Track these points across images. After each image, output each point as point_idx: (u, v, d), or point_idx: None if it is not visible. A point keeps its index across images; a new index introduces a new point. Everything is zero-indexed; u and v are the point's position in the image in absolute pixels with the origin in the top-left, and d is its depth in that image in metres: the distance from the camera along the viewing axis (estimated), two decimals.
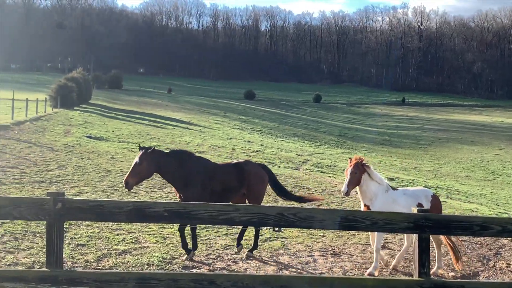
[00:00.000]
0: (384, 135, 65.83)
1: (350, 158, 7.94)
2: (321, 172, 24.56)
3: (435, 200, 8.16)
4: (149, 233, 9.01)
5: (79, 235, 8.30)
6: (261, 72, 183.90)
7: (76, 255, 7.35)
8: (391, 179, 23.84)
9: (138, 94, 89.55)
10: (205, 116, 62.79)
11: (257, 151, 30.65)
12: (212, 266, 7.47)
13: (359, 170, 7.73)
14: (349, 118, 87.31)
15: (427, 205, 7.82)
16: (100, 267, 6.92)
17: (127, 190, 7.83)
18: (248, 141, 38.11)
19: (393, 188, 8.20)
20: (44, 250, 7.37)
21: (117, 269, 6.92)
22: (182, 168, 7.87)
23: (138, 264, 7.21)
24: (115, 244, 8.07)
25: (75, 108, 46.93)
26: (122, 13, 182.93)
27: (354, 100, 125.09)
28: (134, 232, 8.79)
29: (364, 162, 7.86)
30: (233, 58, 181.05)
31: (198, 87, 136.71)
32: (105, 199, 3.95)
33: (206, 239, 8.87)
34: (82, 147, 20.55)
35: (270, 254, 8.38)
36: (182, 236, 7.75)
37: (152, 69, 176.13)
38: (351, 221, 3.84)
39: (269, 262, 7.89)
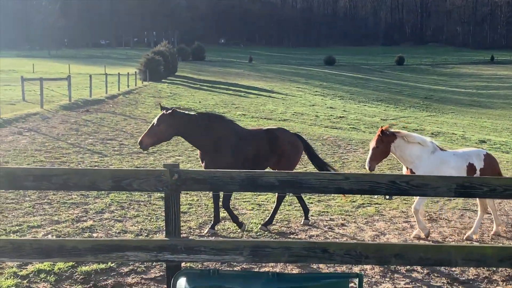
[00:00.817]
0: (473, 95, 62.51)
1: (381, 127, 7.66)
2: None
3: (489, 159, 7.71)
4: (244, 200, 9.23)
5: (180, 203, 8.62)
6: (340, 36, 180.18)
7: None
8: (483, 141, 22.75)
9: (221, 65, 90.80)
10: (287, 83, 62.65)
11: (340, 117, 30.23)
12: (308, 233, 7.52)
13: (383, 142, 7.41)
14: (435, 80, 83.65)
15: (479, 165, 7.52)
16: (202, 234, 7.17)
17: (141, 149, 7.44)
18: (331, 107, 37.65)
19: (441, 149, 7.78)
20: (149, 218, 7.77)
21: (219, 236, 7.15)
22: (210, 132, 7.30)
23: (238, 231, 7.40)
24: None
25: (163, 80, 48.43)
26: None
27: (439, 61, 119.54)
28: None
29: (389, 130, 7.51)
30: (311, 24, 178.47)
31: (278, 55, 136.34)
32: (218, 170, 4.06)
33: (299, 206, 8.93)
34: None
35: (365, 220, 8.31)
36: (229, 211, 7.47)
37: (232, 39, 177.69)
38: (467, 188, 3.68)
39: (364, 229, 7.82)
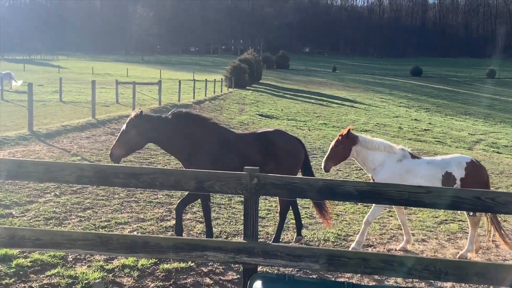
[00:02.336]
0: None
1: None
2: (497, 152, 22.66)
3: (473, 167, 6.87)
4: None
5: (259, 208, 8.76)
6: (428, 47, 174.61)
7: None
8: None
9: (304, 73, 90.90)
10: (370, 94, 61.59)
11: (425, 129, 29.28)
12: (387, 246, 7.37)
13: (343, 144, 6.95)
14: None
15: (459, 174, 6.76)
16: (280, 240, 7.24)
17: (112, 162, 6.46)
18: (415, 119, 36.54)
19: (416, 157, 7.16)
20: (229, 221, 7.96)
21: (295, 243, 7.19)
22: (185, 136, 6.37)
23: (315, 239, 7.40)
24: (292, 218, 8.37)
25: (247, 87, 49.29)
26: None
27: None
28: (308, 208, 9.03)
29: (350, 132, 6.99)
30: (399, 34, 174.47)
31: (362, 64, 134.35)
32: (296, 176, 4.12)
33: (379, 218, 8.77)
34: (255, 125, 21.57)
35: (448, 237, 8.02)
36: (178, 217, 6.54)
37: (317, 48, 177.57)
38: None
39: (446, 245, 7.55)
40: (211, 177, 3.84)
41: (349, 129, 7.07)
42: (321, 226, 8.01)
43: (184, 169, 4.11)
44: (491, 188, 7.78)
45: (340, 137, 7.06)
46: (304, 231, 7.73)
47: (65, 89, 30.67)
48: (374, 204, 6.89)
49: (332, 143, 7.15)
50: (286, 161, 6.63)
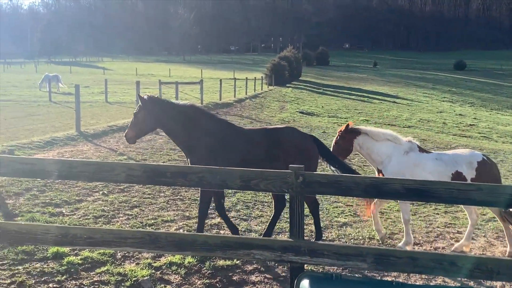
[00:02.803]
0: None
1: None
2: None
3: (485, 166, 6.46)
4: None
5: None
6: (472, 40, 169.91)
7: None
8: None
9: (344, 69, 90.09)
10: (412, 89, 60.49)
11: (470, 125, 28.52)
12: (434, 245, 7.23)
13: (344, 139, 6.81)
14: None
15: (470, 174, 6.39)
16: (324, 238, 7.21)
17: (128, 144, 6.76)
18: (460, 114, 35.65)
19: (424, 150, 6.82)
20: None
21: (340, 241, 7.14)
22: (188, 127, 6.29)
23: (360, 237, 7.32)
24: (335, 216, 8.32)
25: (287, 85, 49.25)
26: None
27: None
28: (351, 205, 8.96)
29: (351, 126, 6.81)
30: (441, 27, 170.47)
31: (403, 59, 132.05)
32: (343, 174, 4.09)
33: (424, 216, 8.62)
34: (296, 122, 21.53)
35: (496, 235, 7.79)
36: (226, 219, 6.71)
37: (357, 43, 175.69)
38: None
39: (495, 244, 7.34)
40: (257, 176, 3.86)
41: (347, 125, 7.00)
42: (366, 224, 7.94)
43: (230, 168, 4.11)
44: None
45: (339, 133, 7.01)
46: (348, 229, 7.68)
47: (110, 90, 31.41)
48: (399, 202, 6.75)
49: (334, 140, 7.12)
50: (294, 159, 6.17)
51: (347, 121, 24.43)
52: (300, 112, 26.66)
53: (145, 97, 6.44)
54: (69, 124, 16.67)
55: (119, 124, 16.83)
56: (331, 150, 6.95)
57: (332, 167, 6.67)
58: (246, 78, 37.35)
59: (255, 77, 41.69)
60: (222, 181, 3.92)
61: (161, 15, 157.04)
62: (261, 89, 40.65)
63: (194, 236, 4.11)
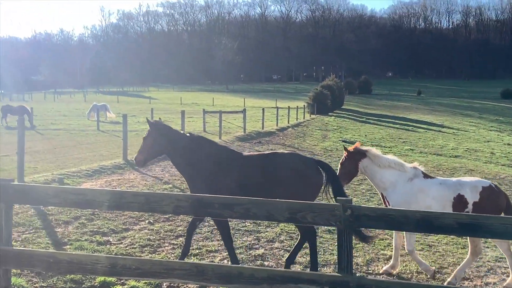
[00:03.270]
0: None
1: None
2: None
3: (489, 192, 6.32)
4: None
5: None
6: None
7: None
8: None
9: (388, 98, 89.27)
10: (458, 118, 59.21)
11: None
12: (485, 280, 6.96)
13: (349, 160, 6.67)
14: None
15: (473, 198, 6.28)
16: (370, 271, 7.05)
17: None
18: (508, 144, 34.53)
19: (429, 176, 6.67)
20: (317, 250, 7.86)
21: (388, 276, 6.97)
22: (191, 154, 6.41)
23: (407, 271, 7.13)
24: (382, 249, 8.14)
25: (329, 113, 49.15)
26: (371, 19, 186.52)
27: None
28: (392, 238, 8.75)
29: (358, 147, 6.64)
30: (487, 55, 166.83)
31: (448, 88, 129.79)
32: (392, 208, 4.01)
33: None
34: (339, 151, 21.35)
35: None
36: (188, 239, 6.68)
37: (400, 72, 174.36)
38: None
39: None
40: (304, 208, 3.84)
41: (355, 146, 6.97)
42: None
43: (276, 200, 4.09)
44: None
45: (345, 154, 6.98)
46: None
47: (156, 119, 32.02)
48: (405, 232, 6.64)
49: (340, 161, 7.10)
50: (296, 185, 6.13)
51: (391, 150, 24.12)
52: (343, 141, 26.45)
53: (152, 122, 6.74)
54: (116, 153, 17.08)
55: None
56: (338, 171, 6.94)
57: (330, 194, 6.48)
58: (289, 107, 37.50)
59: (297, 106, 41.82)
60: (268, 213, 3.91)
61: (204, 45, 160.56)
62: (303, 118, 40.68)
63: (241, 269, 4.09)
